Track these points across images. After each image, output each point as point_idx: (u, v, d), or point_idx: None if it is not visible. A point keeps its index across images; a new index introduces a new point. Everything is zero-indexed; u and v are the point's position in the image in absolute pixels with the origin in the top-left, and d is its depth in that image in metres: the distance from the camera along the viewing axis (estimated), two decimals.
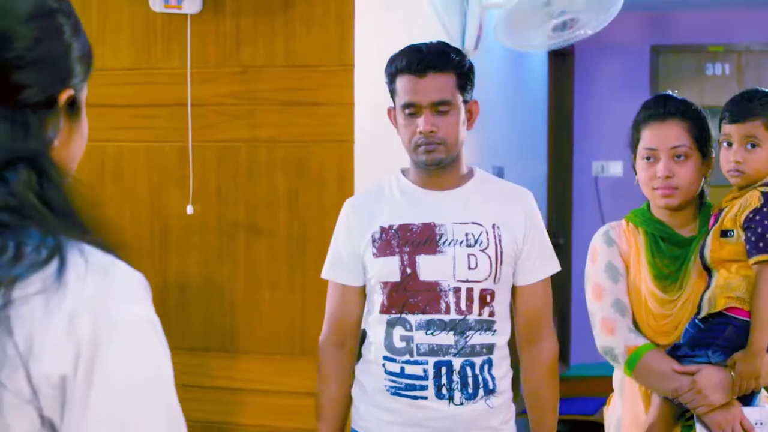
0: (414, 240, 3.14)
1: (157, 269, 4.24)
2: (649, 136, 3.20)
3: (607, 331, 3.19)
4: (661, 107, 3.21)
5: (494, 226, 3.16)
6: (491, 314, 3.14)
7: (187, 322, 4.23)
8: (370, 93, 4.09)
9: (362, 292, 3.27)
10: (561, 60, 8.87)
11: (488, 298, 3.13)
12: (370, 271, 3.19)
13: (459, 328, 3.10)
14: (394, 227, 3.17)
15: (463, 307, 3.11)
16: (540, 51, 7.35)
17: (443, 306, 3.10)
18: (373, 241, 3.18)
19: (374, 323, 3.22)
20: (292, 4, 4.07)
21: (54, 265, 1.32)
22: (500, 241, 3.15)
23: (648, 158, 3.21)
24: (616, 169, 8.90)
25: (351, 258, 3.24)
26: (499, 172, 6.29)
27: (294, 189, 4.09)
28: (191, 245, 4.22)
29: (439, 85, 3.10)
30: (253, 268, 4.15)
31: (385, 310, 3.17)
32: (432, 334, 3.10)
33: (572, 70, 9.15)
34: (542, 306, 3.27)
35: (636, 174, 3.29)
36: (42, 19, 1.46)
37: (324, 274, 3.33)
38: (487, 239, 3.14)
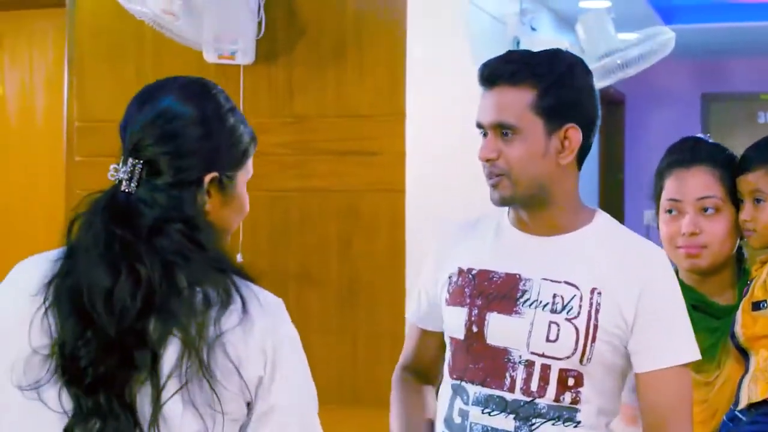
0: (491, 292, 2.47)
1: None
2: (672, 186, 2.74)
3: (629, 420, 2.63)
4: (687, 152, 2.77)
5: (594, 291, 2.40)
6: (574, 402, 2.39)
7: None
8: (422, 141, 4.10)
9: (440, 339, 2.63)
10: (612, 108, 8.86)
11: (570, 381, 2.39)
12: (443, 320, 2.59)
13: (523, 412, 2.40)
14: (474, 272, 2.50)
15: (533, 387, 2.39)
16: None
17: (507, 381, 2.42)
18: (449, 285, 2.55)
19: (443, 385, 2.60)
20: (344, 54, 4.10)
21: (238, 302, 1.94)
22: (597, 311, 2.39)
23: (670, 211, 2.74)
24: None
25: (428, 297, 2.66)
26: None
27: (345, 238, 4.10)
28: None
29: (503, 101, 2.41)
30: (304, 317, 4.15)
31: (450, 371, 2.54)
32: (489, 413, 2.43)
33: (623, 119, 9.14)
34: (669, 401, 2.42)
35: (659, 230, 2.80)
36: (202, 125, 1.99)
37: (408, 312, 2.82)
38: (580, 306, 2.39)
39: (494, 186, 2.43)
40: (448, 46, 4.53)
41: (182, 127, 1.97)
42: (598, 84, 5.12)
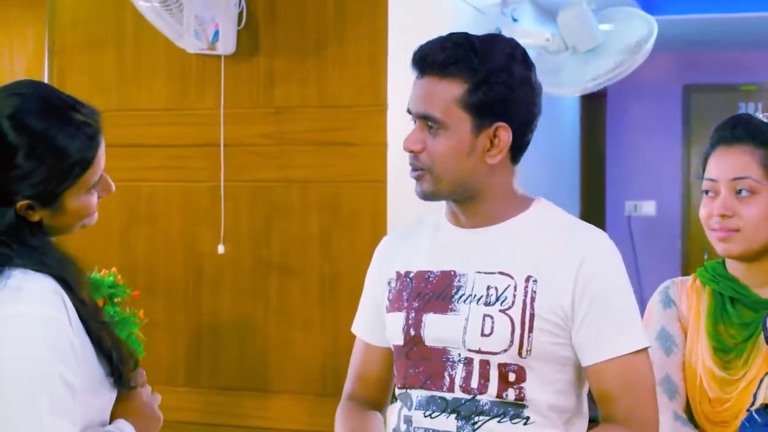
0: (427, 293, 2.34)
1: (189, 308, 4.26)
2: (711, 165, 2.52)
3: None
4: (729, 130, 2.52)
5: (529, 279, 2.26)
6: (519, 398, 2.25)
7: (219, 361, 4.23)
8: (403, 133, 4.08)
9: (387, 356, 2.49)
10: (593, 101, 8.87)
11: (511, 377, 2.24)
12: (386, 329, 2.44)
13: (464, 411, 2.27)
14: (411, 274, 2.38)
15: (474, 384, 2.26)
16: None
17: (447, 380, 2.29)
18: (389, 291, 2.43)
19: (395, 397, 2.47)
20: (325, 45, 4.10)
21: None
22: (533, 299, 2.24)
23: (708, 192, 2.52)
24: (649, 208, 8.86)
25: (372, 309, 2.51)
26: None
27: (326, 229, 4.10)
28: (224, 285, 4.23)
29: (431, 93, 2.27)
30: (285, 308, 4.16)
31: (396, 380, 2.43)
32: (431, 416, 2.30)
33: (604, 111, 9.15)
34: (620, 392, 2.25)
35: None
36: (9, 154, 2.03)
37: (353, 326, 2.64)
38: (514, 297, 2.25)
39: (417, 179, 2.32)
40: (430, 37, 4.51)
41: (13, 144, 2.03)
42: (591, 89, 5.13)
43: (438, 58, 2.26)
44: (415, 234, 2.47)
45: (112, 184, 2.20)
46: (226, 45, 4.10)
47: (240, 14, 4.13)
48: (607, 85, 5.21)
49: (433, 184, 2.29)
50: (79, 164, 2.07)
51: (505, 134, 2.26)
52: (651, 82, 8.74)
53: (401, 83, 4.09)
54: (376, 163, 4.01)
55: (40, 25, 4.74)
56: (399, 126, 4.05)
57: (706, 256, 8.66)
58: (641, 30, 4.91)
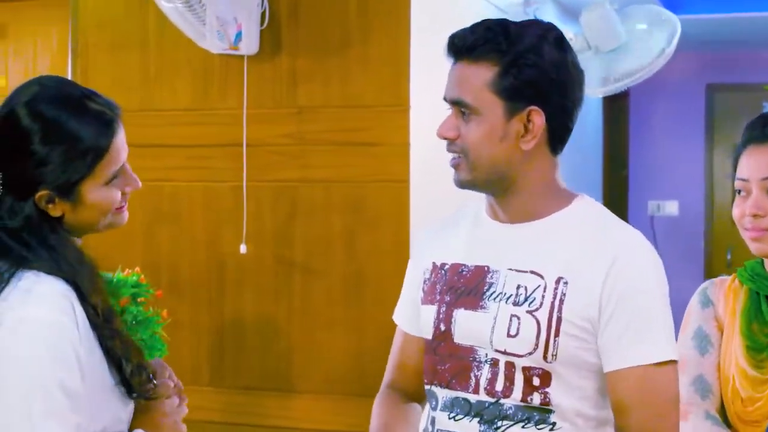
0: (460, 287, 2.28)
1: (213, 307, 4.27)
2: (742, 164, 2.48)
3: (681, 415, 2.27)
4: (759, 128, 2.50)
5: (559, 280, 2.17)
6: (545, 403, 2.17)
7: (243, 361, 4.23)
8: (426, 133, 4.09)
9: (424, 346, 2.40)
10: (616, 101, 8.85)
11: (536, 381, 2.17)
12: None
13: (487, 414, 2.20)
14: (446, 266, 2.33)
15: (498, 387, 2.19)
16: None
17: (472, 381, 2.22)
18: (425, 282, 2.38)
19: None
20: (348, 45, 4.10)
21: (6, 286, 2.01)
22: (561, 302, 2.16)
23: (739, 191, 2.48)
24: (672, 208, 8.84)
25: (410, 298, 2.45)
26: None
27: (349, 229, 4.10)
28: (247, 284, 4.24)
29: (463, 78, 2.23)
30: (308, 308, 4.16)
31: (424, 376, 2.37)
32: (454, 418, 2.25)
33: (627, 111, 9.14)
34: (635, 404, 2.14)
35: None
36: (29, 144, 2.07)
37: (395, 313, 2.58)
38: (542, 298, 2.17)
39: (454, 167, 2.27)
40: None
41: (10, 146, 2.07)
42: (612, 90, 5.11)
43: (468, 41, 2.22)
44: (454, 225, 2.41)
45: (138, 179, 2.21)
46: (249, 45, 4.10)
47: (263, 14, 4.13)
48: (630, 85, 5.20)
49: (468, 172, 2.24)
50: (92, 151, 2.08)
51: (538, 118, 2.19)
52: (674, 81, 8.71)
53: (423, 83, 4.10)
54: (399, 163, 4.01)
55: (64, 26, 4.75)
56: (421, 126, 4.06)
57: (729, 256, 8.63)
58: (665, 30, 4.90)
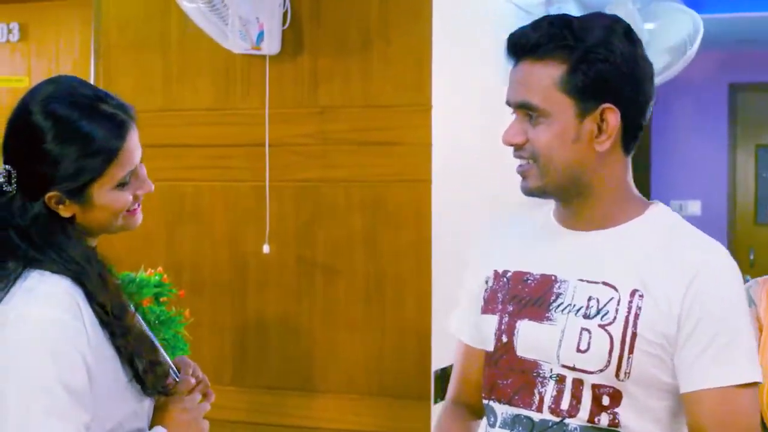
0: (523, 297, 2.15)
1: (236, 307, 4.27)
2: None
3: None
4: None
5: (634, 293, 2.03)
6: (613, 424, 2.03)
7: (264, 360, 4.24)
8: (448, 132, 4.10)
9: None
10: None
11: (605, 400, 2.03)
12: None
13: None
14: (509, 274, 2.20)
15: (564, 405, 2.05)
16: None
17: (536, 398, 2.09)
18: (485, 290, 2.25)
19: None
20: (369, 45, 4.09)
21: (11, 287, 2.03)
22: (637, 317, 2.02)
23: None
24: (694, 207, 8.82)
25: (469, 307, 2.32)
26: None
27: (371, 229, 4.10)
28: (269, 284, 4.24)
29: (528, 79, 2.08)
30: (330, 308, 4.16)
31: (482, 389, 2.24)
32: None
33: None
34: (712, 428, 2.00)
35: None
36: (40, 144, 2.06)
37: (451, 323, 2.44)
38: (616, 311, 2.03)
39: (522, 175, 2.12)
40: (474, 37, 4.52)
41: (23, 144, 2.08)
42: None
43: (531, 39, 2.06)
44: (518, 229, 2.28)
45: (151, 183, 2.20)
46: (271, 45, 4.11)
47: (284, 14, 4.13)
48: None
49: (539, 179, 2.10)
50: (104, 153, 2.08)
51: (612, 117, 2.06)
52: (696, 80, 8.68)
53: (445, 82, 4.09)
54: (421, 162, 4.01)
55: (87, 26, 4.77)
56: (443, 125, 4.06)
57: (752, 257, 8.60)
58: (687, 29, 4.88)
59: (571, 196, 2.12)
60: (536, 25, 2.08)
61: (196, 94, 4.34)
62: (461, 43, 4.40)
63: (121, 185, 2.13)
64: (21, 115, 2.10)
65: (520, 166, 2.12)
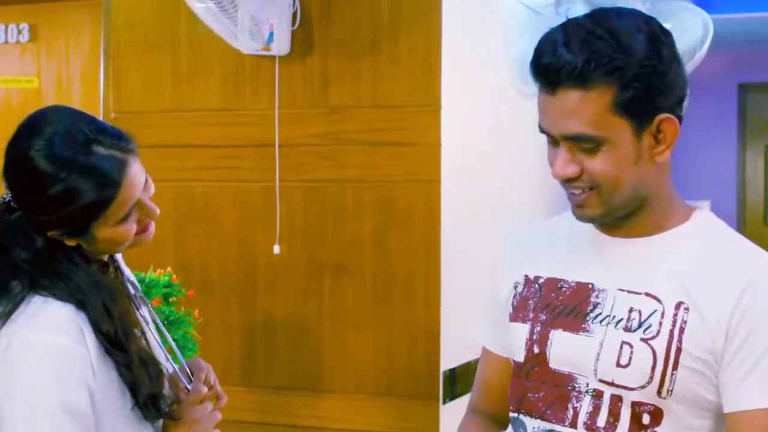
0: (557, 305, 2.03)
1: (244, 307, 4.27)
2: None
3: None
4: None
5: (679, 306, 1.91)
6: None
7: (273, 360, 4.24)
8: (457, 133, 4.10)
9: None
10: None
11: (646, 419, 1.91)
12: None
13: None
14: (541, 280, 2.09)
15: (600, 422, 1.94)
16: None
17: (569, 414, 1.97)
18: (514, 296, 2.14)
19: None
20: (379, 45, 4.09)
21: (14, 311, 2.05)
22: (682, 331, 1.90)
23: None
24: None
25: (495, 313, 2.21)
26: None
27: (380, 229, 4.10)
28: (278, 284, 4.24)
29: (574, 109, 1.88)
30: (339, 308, 4.16)
31: (509, 401, 2.12)
32: None
33: None
34: None
35: None
36: (41, 187, 2.05)
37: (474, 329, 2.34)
38: (660, 325, 1.91)
39: (579, 203, 1.97)
40: (484, 37, 4.52)
41: (24, 189, 2.08)
42: None
43: (571, 64, 1.87)
44: (551, 232, 2.16)
45: (156, 208, 2.19)
46: (281, 45, 4.11)
47: (294, 14, 4.13)
48: None
49: (601, 206, 1.96)
50: (99, 201, 2.06)
51: (670, 126, 1.96)
52: (705, 81, 8.66)
53: (455, 83, 4.09)
54: (430, 163, 4.00)
55: (97, 27, 4.77)
56: (452, 126, 4.05)
57: None
58: (697, 30, 4.87)
59: (629, 211, 2.00)
60: (569, 46, 1.88)
61: (205, 94, 4.34)
62: (471, 44, 4.39)
63: (123, 220, 2.13)
64: (19, 158, 2.08)
65: (575, 195, 1.97)
